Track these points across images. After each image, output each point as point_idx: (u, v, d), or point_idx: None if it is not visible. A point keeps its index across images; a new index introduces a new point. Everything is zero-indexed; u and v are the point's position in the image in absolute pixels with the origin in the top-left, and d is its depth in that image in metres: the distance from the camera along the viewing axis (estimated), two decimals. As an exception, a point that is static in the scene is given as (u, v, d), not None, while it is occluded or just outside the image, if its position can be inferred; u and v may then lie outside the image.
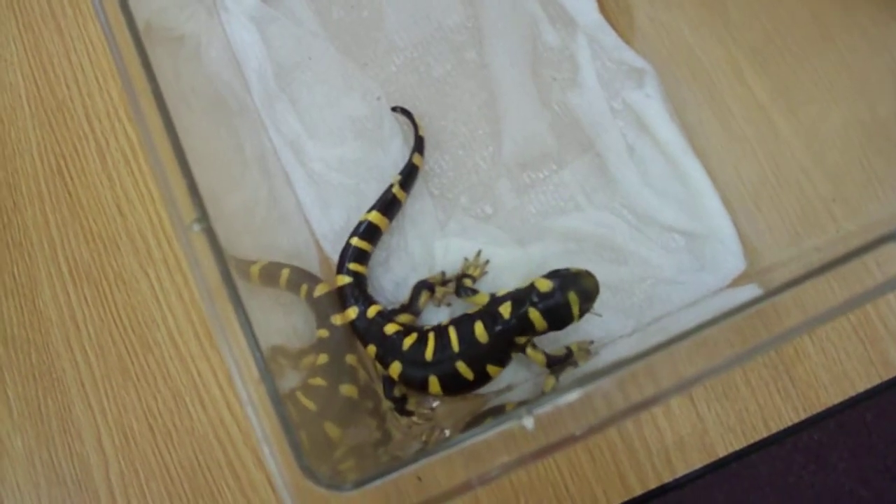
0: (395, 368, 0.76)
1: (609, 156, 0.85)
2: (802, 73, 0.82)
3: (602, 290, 0.81)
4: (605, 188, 0.86)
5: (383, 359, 0.77)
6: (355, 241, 0.82)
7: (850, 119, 0.79)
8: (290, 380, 0.76)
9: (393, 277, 0.85)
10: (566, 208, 0.85)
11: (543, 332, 0.75)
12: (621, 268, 0.83)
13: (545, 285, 0.74)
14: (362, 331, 0.79)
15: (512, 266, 0.83)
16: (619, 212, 0.85)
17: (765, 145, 0.84)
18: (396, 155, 0.87)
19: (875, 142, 0.76)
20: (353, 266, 0.81)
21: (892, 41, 0.75)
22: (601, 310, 0.81)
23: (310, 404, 0.73)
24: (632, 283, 0.82)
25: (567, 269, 0.75)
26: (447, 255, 0.84)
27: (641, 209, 0.84)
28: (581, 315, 0.74)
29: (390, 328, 0.78)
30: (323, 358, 0.79)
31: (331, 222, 0.86)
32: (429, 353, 0.76)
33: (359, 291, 0.81)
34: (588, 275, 0.75)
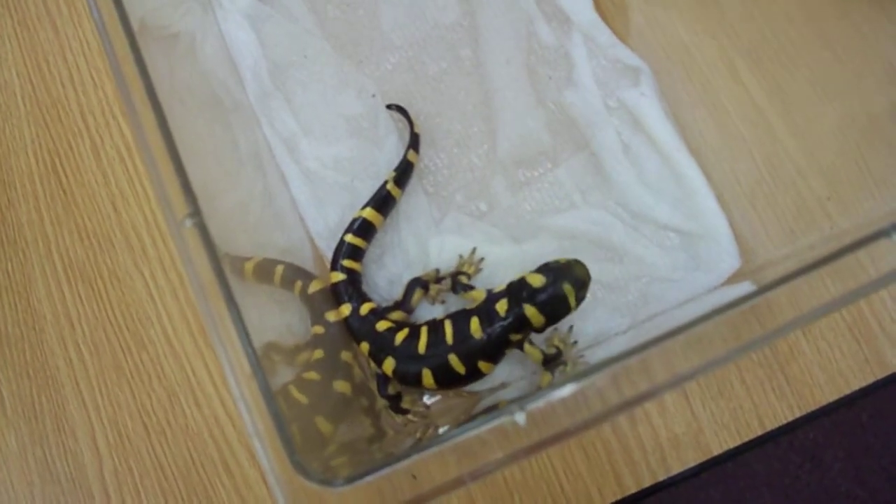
0: (389, 364, 0.76)
1: (604, 154, 0.85)
2: (797, 72, 0.83)
3: (596, 287, 0.82)
4: (600, 186, 0.85)
5: (376, 356, 0.77)
6: (349, 237, 0.82)
7: (844, 117, 0.80)
8: (283, 376, 0.76)
9: (387, 274, 0.85)
10: (561, 206, 0.85)
11: (541, 329, 0.75)
12: (616, 266, 0.83)
13: (538, 280, 0.74)
14: (355, 328, 0.79)
15: (507, 263, 0.83)
16: (614, 210, 0.85)
17: (760, 144, 0.84)
18: (391, 153, 0.87)
19: (870, 139, 0.76)
20: (347, 263, 0.81)
21: (885, 40, 0.75)
22: (596, 307, 0.81)
23: (302, 398, 0.73)
24: (627, 281, 0.82)
25: (556, 261, 0.75)
26: (442, 252, 0.84)
27: (636, 208, 0.84)
28: (578, 304, 0.74)
29: (382, 325, 0.78)
30: (318, 353, 0.79)
31: (325, 219, 0.86)
32: (421, 347, 0.75)
33: (353, 288, 0.81)
34: (578, 263, 0.75)
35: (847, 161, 0.78)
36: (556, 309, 0.74)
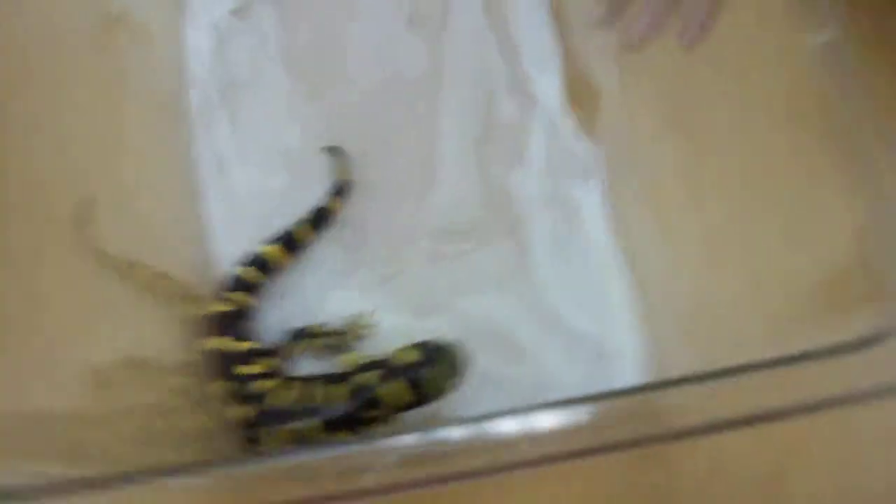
0: (246, 411, 0.72)
1: (534, 246, 0.80)
2: (763, 206, 0.76)
3: (486, 384, 0.75)
4: (521, 280, 0.80)
5: (236, 399, 0.73)
6: (240, 270, 0.79)
7: (802, 266, 0.72)
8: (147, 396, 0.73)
9: (280, 316, 0.81)
10: (475, 290, 0.80)
11: (405, 409, 0.69)
12: (513, 367, 0.77)
13: (412, 355, 0.69)
14: (221, 365, 0.75)
15: (400, 334, 0.76)
16: (528, 308, 0.79)
17: (706, 272, 0.77)
18: (322, 195, 0.84)
19: (826, 294, 0.69)
20: (233, 295, 0.78)
21: (855, 194, 0.68)
22: (479, 402, 0.75)
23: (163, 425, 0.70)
24: (521, 383, 0.76)
25: (435, 341, 0.70)
26: (341, 308, 0.80)
27: (552, 311, 0.78)
28: (451, 390, 0.69)
29: (250, 369, 0.74)
30: (185, 382, 0.76)
31: (235, 246, 0.82)
32: (284, 402, 0.71)
33: (233, 323, 0.77)
34: (458, 348, 0.70)
35: (794, 312, 0.70)
36: (425, 390, 0.68)
